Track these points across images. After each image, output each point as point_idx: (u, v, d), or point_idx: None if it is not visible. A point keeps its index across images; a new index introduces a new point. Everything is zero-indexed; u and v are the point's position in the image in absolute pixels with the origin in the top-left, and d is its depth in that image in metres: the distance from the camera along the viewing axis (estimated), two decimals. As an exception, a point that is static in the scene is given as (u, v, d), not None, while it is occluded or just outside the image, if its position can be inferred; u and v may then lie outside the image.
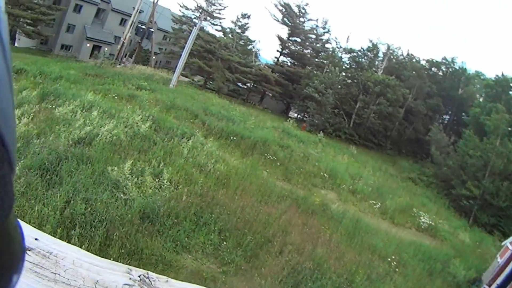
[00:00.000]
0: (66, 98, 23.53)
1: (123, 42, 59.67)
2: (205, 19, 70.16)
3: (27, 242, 1.86)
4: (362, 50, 70.69)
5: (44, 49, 64.54)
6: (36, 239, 1.93)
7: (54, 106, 21.90)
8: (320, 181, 28.09)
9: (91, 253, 2.07)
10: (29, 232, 1.96)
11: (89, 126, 19.72)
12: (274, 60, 76.15)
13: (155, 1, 62.35)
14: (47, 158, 14.81)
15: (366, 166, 41.33)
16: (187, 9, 76.28)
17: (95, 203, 13.24)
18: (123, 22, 69.75)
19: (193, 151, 21.69)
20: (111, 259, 11.29)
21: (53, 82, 29.38)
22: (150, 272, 2.05)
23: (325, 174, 29.28)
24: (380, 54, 70.85)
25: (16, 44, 64.64)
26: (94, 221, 12.38)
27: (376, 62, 70.49)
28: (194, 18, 73.66)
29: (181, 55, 52.31)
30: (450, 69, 69.64)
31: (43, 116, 19.94)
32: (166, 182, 16.89)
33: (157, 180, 16.99)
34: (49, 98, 23.46)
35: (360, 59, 70.56)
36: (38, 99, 22.91)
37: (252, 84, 71.92)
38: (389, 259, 18.47)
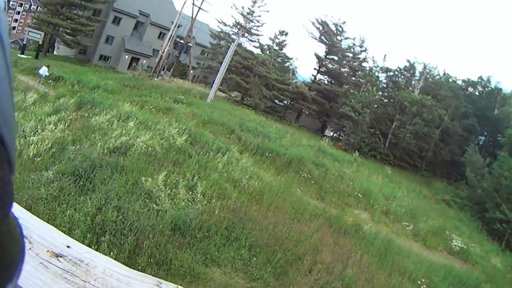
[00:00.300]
0: (103, 108, 23.81)
1: (161, 56, 60.34)
2: (243, 36, 70.66)
3: (59, 249, 1.87)
4: (399, 69, 70.12)
5: (83, 58, 65.83)
6: (68, 246, 1.93)
7: (90, 115, 22.16)
8: (353, 201, 27.82)
9: (120, 260, 2.07)
10: (61, 239, 1.96)
11: (125, 136, 19.84)
12: (311, 78, 76.10)
13: (194, 16, 62.75)
14: (81, 165, 14.94)
15: (400, 187, 40.81)
16: (225, 25, 76.73)
17: (127, 211, 13.29)
18: (161, 35, 71.05)
19: (228, 166, 21.65)
20: (140, 267, 11.33)
21: (90, 91, 29.99)
22: (179, 287, 2.04)
23: (359, 194, 28.99)
24: (417, 74, 70.27)
25: (55, 52, 65.89)
26: (124, 229, 12.43)
27: (413, 82, 69.82)
28: (232, 34, 74.15)
29: (219, 70, 52.57)
30: (486, 89, 68.46)
31: (79, 123, 20.18)
32: (200, 195, 16.91)
33: (190, 193, 17.00)
34: (86, 106, 23.77)
35: (397, 79, 69.84)
36: (75, 107, 23.31)
37: (289, 101, 72.03)
38: (419, 282, 18.19)
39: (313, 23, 73.20)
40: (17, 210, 1.63)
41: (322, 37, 72.85)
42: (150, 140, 20.30)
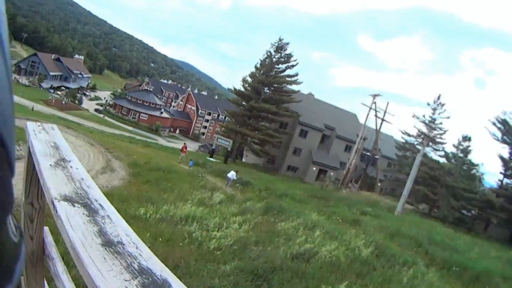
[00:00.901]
0: (289, 215, 24.14)
1: (349, 168, 61.19)
2: (427, 145, 69.57)
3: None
4: None
5: (271, 167, 68.20)
6: None
7: (276, 220, 22.61)
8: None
9: None
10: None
11: (310, 243, 19.87)
12: (497, 183, 72.06)
13: (378, 128, 63.27)
14: (261, 265, 15.17)
15: None
16: (409, 135, 76.49)
17: (304, 315, 13.27)
18: (347, 148, 72.36)
19: (413, 280, 21.07)
20: None
21: (278, 198, 30.76)
22: None
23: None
24: None
25: (243, 159, 69.01)
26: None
27: None
28: (417, 144, 73.52)
29: (405, 183, 51.82)
30: None
31: (264, 227, 20.60)
32: (381, 308, 16.53)
33: (371, 305, 16.67)
34: (272, 212, 24.33)
35: None
36: (261, 211, 24.02)
37: (477, 211, 68.29)
38: None
39: (494, 123, 70.73)
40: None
41: (505, 137, 69.96)
42: (335, 250, 20.22)
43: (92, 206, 1.96)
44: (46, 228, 3.28)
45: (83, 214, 1.86)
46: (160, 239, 12.96)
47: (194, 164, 39.07)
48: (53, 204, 1.94)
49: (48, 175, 2.28)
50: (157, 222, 15.88)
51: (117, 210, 2.01)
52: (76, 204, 1.94)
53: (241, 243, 16.85)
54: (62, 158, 2.63)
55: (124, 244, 1.69)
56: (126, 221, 1.90)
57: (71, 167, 2.49)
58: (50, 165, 2.45)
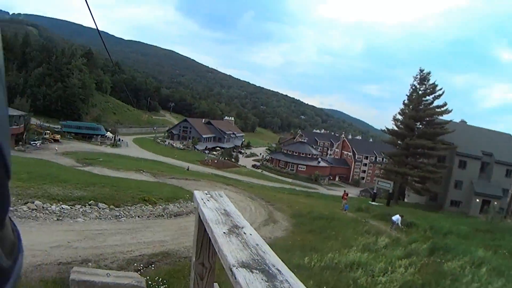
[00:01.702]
0: (455, 253, 23.52)
1: (511, 195, 58.33)
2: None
3: None
4: None
5: (433, 204, 66.75)
6: None
7: (442, 261, 22.03)
8: None
9: None
10: None
11: (476, 283, 19.12)
12: None
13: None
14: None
15: None
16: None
17: None
18: (508, 173, 68.84)
19: None
20: None
21: (443, 237, 30.08)
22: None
23: None
24: None
25: (406, 200, 67.79)
26: None
27: None
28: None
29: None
30: None
31: (430, 269, 20.17)
32: None
33: None
34: (438, 252, 23.82)
35: None
36: (427, 252, 23.57)
37: None
38: None
39: None
40: None
41: None
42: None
43: (270, 271, 2.00)
44: (216, 285, 3.55)
45: (262, 279, 1.89)
46: (325, 287, 12.90)
47: (358, 209, 39.18)
48: (231, 271, 2.01)
49: (223, 243, 2.39)
50: (321, 270, 15.94)
51: (281, 260, 2.09)
52: (254, 270, 1.99)
53: (407, 287, 16.44)
54: (235, 225, 2.77)
55: (305, 308, 1.66)
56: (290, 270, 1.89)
57: (244, 233, 2.60)
58: (224, 232, 2.58)
